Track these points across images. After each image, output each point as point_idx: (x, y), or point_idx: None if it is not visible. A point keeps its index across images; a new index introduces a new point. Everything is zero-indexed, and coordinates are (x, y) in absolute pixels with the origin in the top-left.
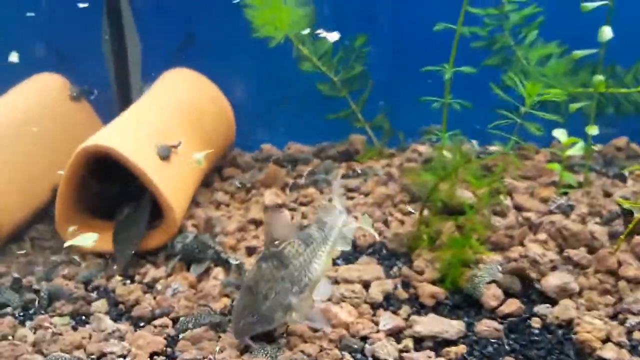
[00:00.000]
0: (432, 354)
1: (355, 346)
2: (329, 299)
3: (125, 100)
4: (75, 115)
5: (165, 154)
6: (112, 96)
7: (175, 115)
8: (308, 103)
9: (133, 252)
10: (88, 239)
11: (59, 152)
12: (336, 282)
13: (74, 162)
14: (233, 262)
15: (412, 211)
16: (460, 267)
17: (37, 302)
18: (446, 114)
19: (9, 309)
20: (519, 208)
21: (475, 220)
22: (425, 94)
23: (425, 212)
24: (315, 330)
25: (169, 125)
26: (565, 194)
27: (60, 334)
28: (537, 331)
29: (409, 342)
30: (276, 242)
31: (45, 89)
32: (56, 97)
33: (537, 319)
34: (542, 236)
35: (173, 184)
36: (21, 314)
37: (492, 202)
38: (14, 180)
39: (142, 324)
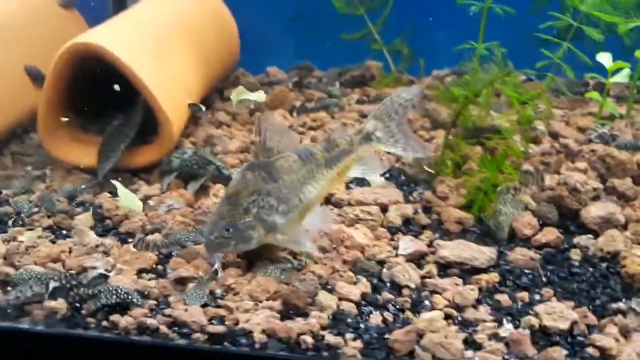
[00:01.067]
0: (460, 281)
1: (372, 270)
2: (343, 222)
3: (119, 10)
4: (64, 24)
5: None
6: (106, 7)
7: (173, 24)
8: (320, 22)
9: (115, 159)
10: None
11: (47, 60)
12: (349, 204)
13: (59, 62)
14: None
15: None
16: (490, 192)
17: (13, 215)
18: (485, 21)
19: None
20: (554, 135)
21: (510, 143)
22: (450, 15)
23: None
24: (325, 251)
25: (165, 33)
26: (604, 124)
27: (35, 247)
28: (577, 263)
29: (432, 268)
30: (268, 152)
31: None
32: (43, 2)
33: (577, 250)
34: (581, 165)
35: (171, 93)
36: None
37: (526, 127)
38: None
39: (130, 240)
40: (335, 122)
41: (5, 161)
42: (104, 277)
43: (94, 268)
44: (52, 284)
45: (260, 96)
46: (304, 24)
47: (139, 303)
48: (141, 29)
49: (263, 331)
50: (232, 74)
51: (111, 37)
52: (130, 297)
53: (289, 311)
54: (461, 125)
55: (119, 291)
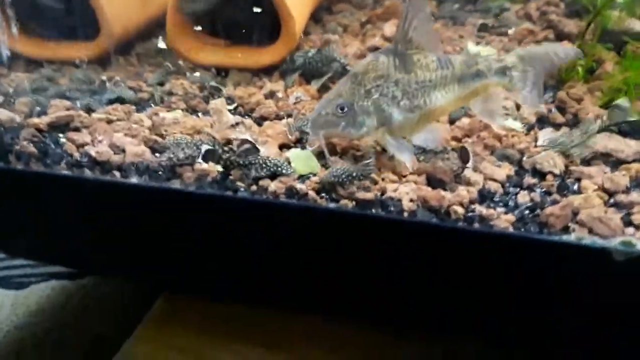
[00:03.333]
0: (607, 169)
1: (513, 157)
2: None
3: None
4: None
5: None
6: None
7: None
8: None
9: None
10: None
11: None
12: None
13: None
14: None
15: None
16: (632, 91)
17: (150, 99)
18: None
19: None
20: None
21: None
22: None
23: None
24: (459, 140)
25: None
26: None
27: (178, 122)
28: None
29: (575, 158)
30: (408, 44)
31: None
32: None
33: None
34: None
35: None
36: (134, 106)
37: None
38: None
39: (264, 123)
40: (449, 32)
41: (132, 61)
42: (254, 148)
43: (238, 140)
44: (205, 147)
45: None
46: None
47: (288, 173)
48: None
49: (411, 200)
50: None
51: None
52: (280, 168)
53: (434, 186)
54: (597, 29)
55: (269, 162)
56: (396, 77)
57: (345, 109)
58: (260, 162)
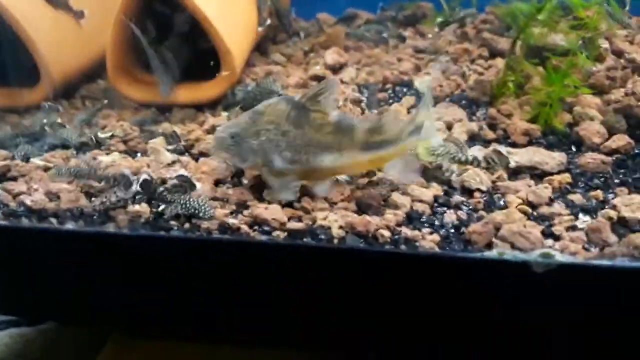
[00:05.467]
0: (532, 182)
1: (442, 177)
2: None
3: None
4: None
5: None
6: None
7: None
8: None
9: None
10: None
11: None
12: None
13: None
14: None
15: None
16: (556, 105)
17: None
18: None
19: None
20: (618, 54)
21: (575, 60)
22: None
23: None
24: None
25: None
26: None
27: (115, 165)
28: None
29: (502, 173)
30: (312, 102)
31: None
32: None
33: None
34: None
35: (232, 29)
36: (74, 152)
37: (589, 47)
38: (67, 34)
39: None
40: (390, 57)
41: (76, 103)
42: (190, 185)
43: (173, 179)
44: (143, 176)
45: None
46: None
47: (205, 217)
48: None
49: (340, 227)
50: None
51: None
52: (197, 211)
53: (364, 211)
54: (523, 45)
55: (188, 204)
56: (286, 128)
57: (235, 139)
58: (184, 201)
